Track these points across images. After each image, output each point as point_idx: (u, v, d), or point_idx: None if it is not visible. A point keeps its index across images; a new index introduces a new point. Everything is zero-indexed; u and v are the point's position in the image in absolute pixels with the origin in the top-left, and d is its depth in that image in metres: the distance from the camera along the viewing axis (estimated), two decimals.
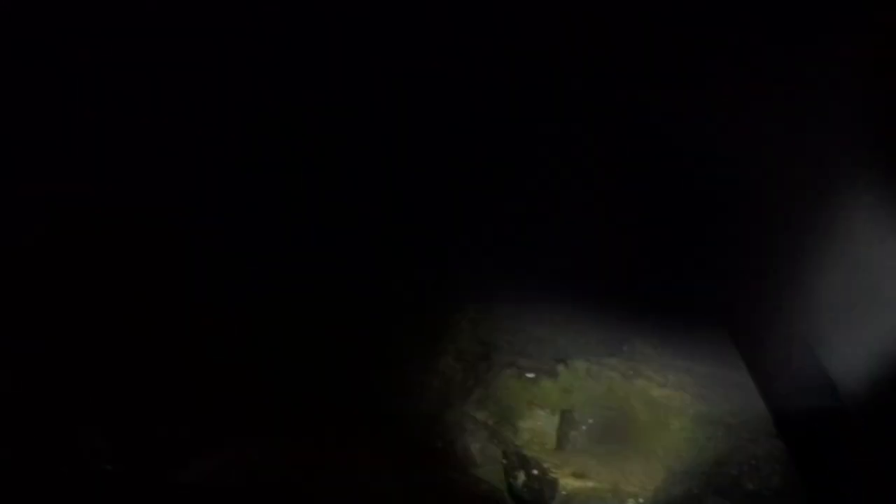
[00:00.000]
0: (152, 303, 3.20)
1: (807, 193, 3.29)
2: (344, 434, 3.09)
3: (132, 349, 3.09)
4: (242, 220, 3.37)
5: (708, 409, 3.44)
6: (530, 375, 3.49)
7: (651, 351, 3.62)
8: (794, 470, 3.19)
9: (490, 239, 3.61)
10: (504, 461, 3.19)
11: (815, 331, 3.25)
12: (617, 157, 3.67)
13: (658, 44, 3.40)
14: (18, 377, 2.90)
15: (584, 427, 3.42)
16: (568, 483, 3.19)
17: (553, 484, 3.16)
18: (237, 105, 3.34)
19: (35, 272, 3.10)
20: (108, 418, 2.95)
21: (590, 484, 3.20)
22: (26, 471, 2.68)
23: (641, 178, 3.72)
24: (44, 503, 2.58)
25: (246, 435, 3.03)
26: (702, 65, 3.38)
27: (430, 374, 3.38)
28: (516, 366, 3.50)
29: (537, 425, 3.39)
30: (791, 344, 3.28)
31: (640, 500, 3.19)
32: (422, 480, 3.01)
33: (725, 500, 3.15)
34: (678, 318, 3.53)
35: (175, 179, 3.30)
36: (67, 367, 2.99)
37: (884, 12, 2.99)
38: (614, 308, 3.58)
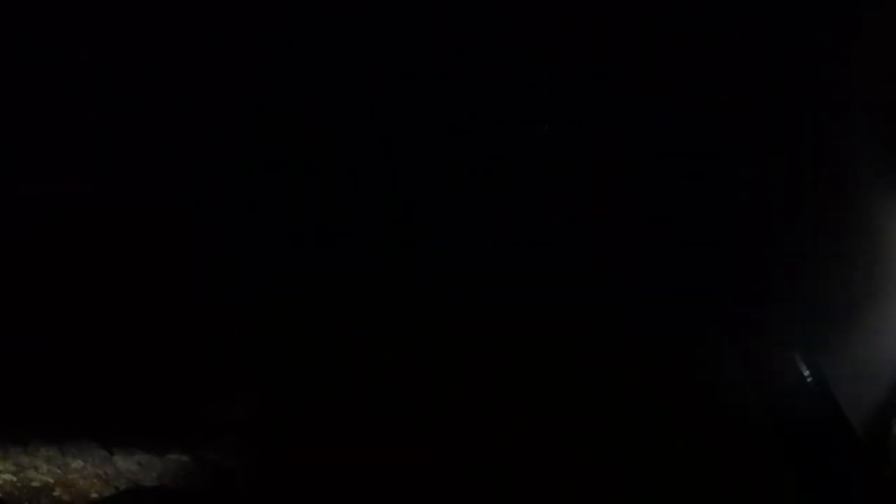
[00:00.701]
0: (152, 303, 3.20)
1: (806, 195, 3.29)
2: (344, 434, 3.10)
3: (132, 349, 3.09)
4: (242, 220, 3.37)
5: None
6: None
7: None
8: (793, 470, 3.21)
9: (490, 239, 3.61)
10: None
11: (812, 333, 3.26)
12: (617, 157, 3.66)
13: (658, 44, 3.40)
14: (18, 377, 2.91)
15: None
16: None
17: None
18: (237, 105, 3.33)
19: (35, 272, 3.10)
20: (108, 418, 2.96)
21: None
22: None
23: (641, 178, 3.72)
24: None
25: (246, 435, 3.03)
26: (701, 65, 3.38)
27: None
28: None
29: None
30: (789, 345, 3.29)
31: None
32: None
33: None
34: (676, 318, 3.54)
35: (175, 179, 3.29)
36: (67, 367, 2.99)
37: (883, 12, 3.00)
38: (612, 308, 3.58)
